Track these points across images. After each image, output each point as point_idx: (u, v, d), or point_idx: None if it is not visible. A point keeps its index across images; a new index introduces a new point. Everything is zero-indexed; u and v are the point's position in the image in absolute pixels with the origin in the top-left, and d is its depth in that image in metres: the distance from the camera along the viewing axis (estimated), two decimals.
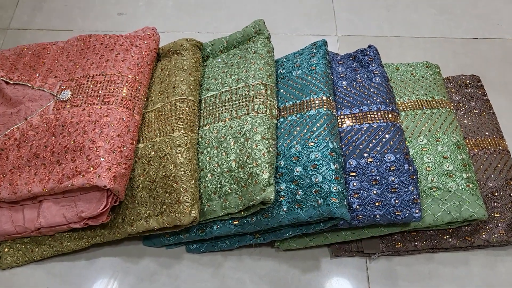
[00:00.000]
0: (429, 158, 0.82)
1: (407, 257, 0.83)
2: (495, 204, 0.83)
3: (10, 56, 0.90)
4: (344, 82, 0.87)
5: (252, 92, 0.81)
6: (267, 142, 0.75)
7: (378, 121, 0.81)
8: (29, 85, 0.85)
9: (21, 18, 1.12)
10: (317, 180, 0.73)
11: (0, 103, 0.85)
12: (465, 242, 0.81)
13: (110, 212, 0.75)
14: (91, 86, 0.81)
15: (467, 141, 0.89)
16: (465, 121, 0.92)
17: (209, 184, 0.77)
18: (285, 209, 0.74)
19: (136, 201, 0.77)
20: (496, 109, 0.96)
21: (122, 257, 0.82)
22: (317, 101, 0.80)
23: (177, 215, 0.73)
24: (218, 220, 0.78)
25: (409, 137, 0.84)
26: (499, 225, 0.82)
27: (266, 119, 0.77)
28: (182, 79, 0.83)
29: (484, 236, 0.81)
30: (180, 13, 1.16)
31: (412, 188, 0.75)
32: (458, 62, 1.08)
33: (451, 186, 0.79)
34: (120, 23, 1.13)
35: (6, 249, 0.80)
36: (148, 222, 0.76)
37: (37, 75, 0.86)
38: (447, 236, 0.81)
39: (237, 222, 0.77)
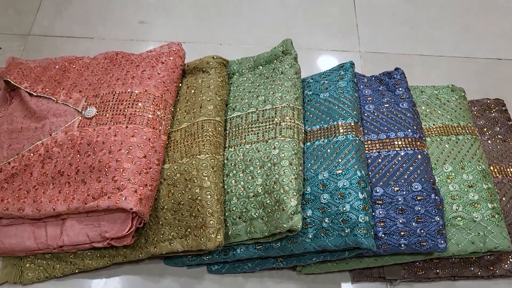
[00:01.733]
0: (454, 187, 0.81)
1: (428, 284, 0.83)
2: None
3: (35, 68, 0.89)
4: (371, 106, 0.86)
5: (279, 115, 0.80)
6: (294, 168, 0.74)
7: (405, 149, 0.80)
8: (53, 98, 0.84)
9: (41, 23, 1.11)
10: (344, 209, 0.72)
11: (24, 116, 0.84)
12: (487, 272, 0.81)
13: (134, 234, 0.75)
14: (117, 104, 0.80)
15: (491, 168, 0.89)
16: (489, 147, 0.92)
17: (234, 208, 0.76)
18: (310, 236, 0.74)
19: (160, 222, 0.77)
20: None
21: (143, 275, 0.82)
22: (345, 127, 0.80)
23: (202, 239, 0.72)
24: (242, 244, 0.77)
25: (435, 164, 0.84)
26: None
27: (294, 144, 0.77)
28: (208, 99, 0.82)
29: (506, 266, 0.81)
30: (200, 23, 1.14)
31: (438, 219, 0.75)
32: (481, 83, 1.07)
33: (476, 216, 0.79)
34: (141, 32, 1.11)
35: (27, 265, 0.80)
36: (172, 244, 0.76)
37: (62, 88, 0.85)
38: (469, 265, 0.81)
39: (260, 246, 0.76)
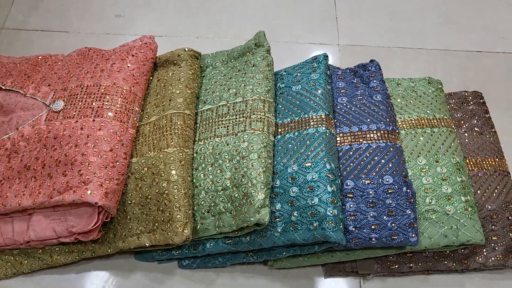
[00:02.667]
0: (427, 180, 0.80)
1: (402, 278, 0.82)
2: (493, 227, 0.82)
3: (7, 64, 0.88)
4: (344, 99, 0.85)
5: (250, 108, 0.79)
6: (263, 161, 0.73)
7: (377, 141, 0.79)
8: (22, 92, 0.83)
9: (16, 17, 1.09)
10: (313, 202, 0.71)
11: None
12: (461, 265, 0.80)
13: (101, 228, 0.74)
14: (85, 97, 0.79)
15: (467, 160, 0.88)
16: (466, 140, 0.91)
17: (202, 202, 0.75)
18: (279, 230, 0.73)
19: (128, 217, 0.76)
20: (498, 127, 0.94)
21: (113, 271, 0.81)
22: (315, 119, 0.78)
23: (169, 233, 0.71)
24: (211, 238, 0.76)
25: (408, 157, 0.83)
26: (496, 248, 0.80)
27: (263, 137, 0.76)
28: (178, 92, 0.81)
29: (480, 259, 0.80)
30: (180, 16, 1.13)
31: (410, 212, 0.74)
32: (462, 76, 1.06)
33: (449, 209, 0.78)
34: (118, 26, 1.10)
35: None
36: (140, 239, 0.75)
37: (31, 82, 0.84)
38: (443, 259, 0.80)
39: (230, 240, 0.76)
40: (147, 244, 0.74)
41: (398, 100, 0.91)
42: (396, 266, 0.80)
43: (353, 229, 0.74)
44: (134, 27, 1.10)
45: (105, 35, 1.08)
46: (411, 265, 0.80)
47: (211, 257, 0.80)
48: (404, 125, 0.87)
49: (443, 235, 0.76)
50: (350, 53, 1.08)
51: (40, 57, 0.90)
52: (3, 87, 0.84)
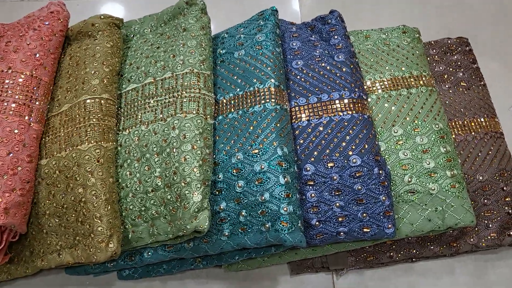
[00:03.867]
0: (405, 154, 0.66)
1: (382, 269, 0.70)
2: (486, 201, 0.69)
3: None
4: (299, 62, 0.69)
5: (181, 85, 0.64)
6: (198, 152, 0.59)
7: (340, 113, 0.65)
8: None
9: None
10: (263, 198, 0.58)
11: None
12: (450, 249, 0.68)
13: (7, 251, 0.61)
14: None
15: (453, 123, 0.74)
16: (451, 98, 0.76)
17: (131, 207, 0.62)
18: (226, 234, 0.60)
19: (44, 231, 0.63)
20: (487, 77, 0.80)
21: None
22: (262, 92, 0.64)
23: (91, 249, 0.58)
24: (149, 247, 0.63)
25: (381, 127, 0.69)
26: (490, 226, 0.69)
27: (198, 121, 0.61)
28: (93, 71, 0.66)
29: (472, 240, 0.68)
30: None
31: (384, 198, 0.61)
32: (443, 20, 0.90)
33: (433, 188, 0.65)
34: None
35: None
36: (60, 256, 0.62)
37: None
38: (429, 243, 0.69)
39: (171, 248, 0.63)
40: (69, 263, 0.61)
41: (367, 56, 0.75)
42: (374, 257, 0.68)
43: (317, 223, 0.61)
44: None
45: (19, 3, 0.90)
46: (391, 254, 0.68)
47: (154, 265, 0.68)
48: (375, 88, 0.72)
49: (426, 219, 0.64)
50: (312, 2, 0.91)
51: None
52: None
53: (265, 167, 0.59)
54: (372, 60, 0.74)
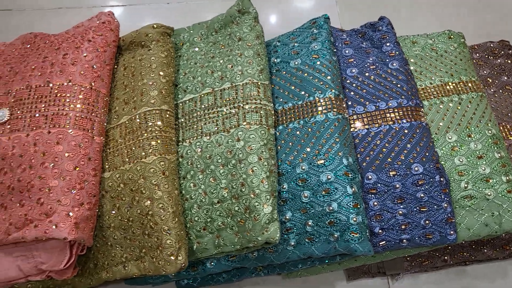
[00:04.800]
0: (461, 160, 0.67)
1: (435, 273, 0.71)
2: None
3: None
4: (354, 70, 0.70)
5: (241, 95, 0.64)
6: (265, 163, 0.59)
7: (400, 121, 0.65)
8: None
9: None
10: (331, 208, 0.58)
11: None
12: (503, 252, 0.70)
13: (76, 264, 0.61)
14: (35, 102, 0.63)
15: (501, 127, 0.74)
16: (497, 102, 0.77)
17: (196, 218, 0.62)
18: (293, 243, 0.60)
19: (109, 243, 0.63)
20: None
21: None
22: (323, 102, 0.64)
23: (160, 262, 0.58)
24: (212, 257, 0.64)
25: (436, 134, 0.69)
26: None
27: (262, 132, 0.61)
28: (151, 83, 0.65)
29: None
30: None
31: (446, 205, 0.62)
32: (480, 22, 0.90)
33: (489, 193, 0.65)
34: None
35: None
36: (126, 268, 0.62)
37: None
38: (482, 247, 0.70)
39: (234, 257, 0.63)
40: (135, 275, 0.61)
41: (416, 62, 0.75)
42: (429, 261, 0.69)
43: (380, 231, 0.62)
44: None
45: (55, 10, 0.89)
46: (445, 258, 0.69)
47: (214, 274, 0.68)
48: (426, 95, 0.72)
49: (483, 224, 0.65)
50: (350, 6, 0.91)
51: None
52: None
53: (332, 178, 0.59)
54: (421, 66, 0.75)
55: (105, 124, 0.65)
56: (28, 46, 0.71)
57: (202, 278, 0.68)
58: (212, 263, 0.64)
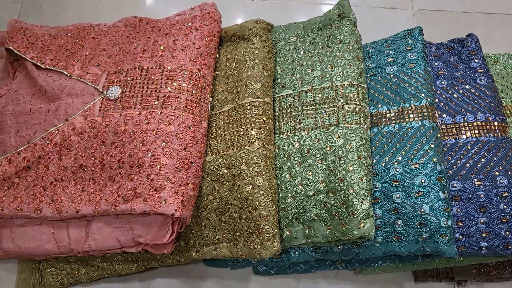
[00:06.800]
0: None
1: (500, 284, 0.74)
2: None
3: (42, 36, 0.74)
4: (443, 82, 0.73)
5: (342, 96, 0.67)
6: (364, 162, 0.62)
7: (487, 135, 0.68)
8: (66, 73, 0.70)
9: None
10: (422, 210, 0.61)
11: (32, 95, 0.70)
12: None
13: (176, 240, 0.64)
14: (146, 82, 0.66)
15: None
16: None
17: (290, 208, 0.65)
18: (379, 240, 0.63)
19: (203, 224, 0.66)
20: None
21: (180, 278, 0.72)
22: (419, 109, 0.67)
23: (256, 246, 0.62)
24: (297, 246, 0.67)
25: None
26: None
27: (361, 133, 0.65)
28: (255, 75, 0.69)
29: None
30: None
31: None
32: None
33: None
34: None
35: (48, 269, 0.70)
36: (217, 249, 0.65)
37: (76, 60, 0.71)
38: None
39: (319, 249, 0.66)
40: (226, 256, 0.65)
41: (498, 81, 0.79)
42: (496, 271, 0.72)
43: (460, 236, 0.65)
44: None
45: None
46: None
47: (293, 263, 0.71)
48: (507, 112, 0.75)
49: None
50: (427, 19, 0.94)
51: (80, 29, 0.76)
52: (43, 66, 0.71)
53: (426, 182, 0.62)
54: (503, 84, 0.78)
55: (208, 110, 0.68)
56: (132, 28, 0.74)
57: (280, 266, 0.72)
58: (296, 252, 0.67)
